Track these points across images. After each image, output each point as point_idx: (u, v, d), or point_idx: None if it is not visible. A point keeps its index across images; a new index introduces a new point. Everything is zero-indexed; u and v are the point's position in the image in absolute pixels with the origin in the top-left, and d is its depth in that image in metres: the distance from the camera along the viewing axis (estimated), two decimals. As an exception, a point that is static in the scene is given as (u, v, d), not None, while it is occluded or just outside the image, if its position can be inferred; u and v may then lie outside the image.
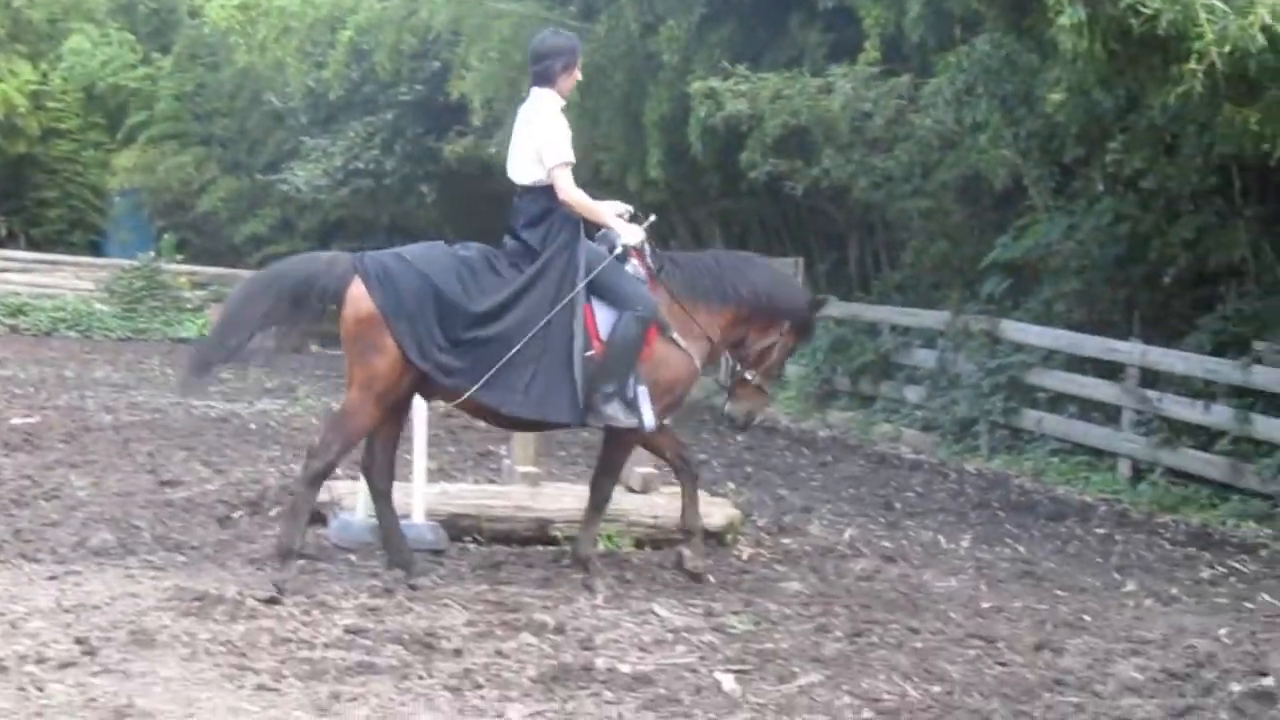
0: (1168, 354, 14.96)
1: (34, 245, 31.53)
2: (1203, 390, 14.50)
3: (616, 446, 9.17)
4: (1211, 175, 15.21)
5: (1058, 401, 16.56)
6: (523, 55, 21.67)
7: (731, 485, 13.26)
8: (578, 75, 8.97)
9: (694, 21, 20.65)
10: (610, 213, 9.00)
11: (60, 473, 11.80)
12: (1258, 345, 13.86)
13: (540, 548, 9.89)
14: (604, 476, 9.24)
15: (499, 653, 7.17)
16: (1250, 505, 13.43)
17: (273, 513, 10.46)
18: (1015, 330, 17.04)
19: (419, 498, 9.62)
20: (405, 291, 8.40)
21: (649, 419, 8.69)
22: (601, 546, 9.58)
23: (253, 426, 15.47)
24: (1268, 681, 7.41)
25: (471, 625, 7.67)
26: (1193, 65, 10.01)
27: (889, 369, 19.44)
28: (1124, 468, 15.13)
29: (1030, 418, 16.65)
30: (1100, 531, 12.59)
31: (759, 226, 23.41)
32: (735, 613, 8.40)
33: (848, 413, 19.54)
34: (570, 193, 8.67)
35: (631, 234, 8.91)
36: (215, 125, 33.12)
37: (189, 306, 28.79)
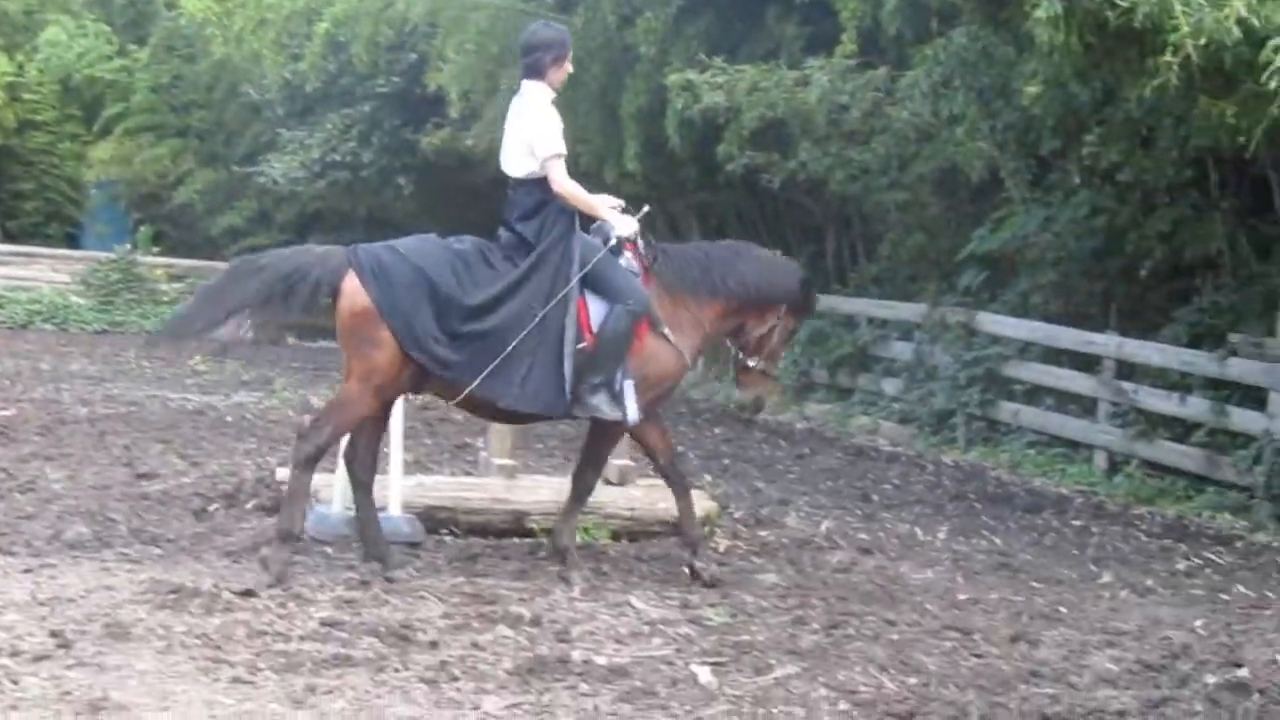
0: (1144, 346, 15.02)
1: (10, 238, 31.38)
2: (1179, 382, 14.56)
3: (602, 438, 9.17)
4: (1187, 168, 15.27)
5: (1034, 394, 16.62)
6: (499, 47, 21.88)
7: (708, 477, 13.24)
8: (568, 68, 8.94)
9: (671, 14, 20.65)
10: (604, 204, 9.00)
11: (35, 465, 11.75)
12: (1233, 338, 13.91)
13: (517, 540, 9.89)
14: (587, 467, 9.23)
15: (475, 645, 7.16)
16: (1226, 497, 13.48)
17: (249, 505, 10.43)
18: (992, 322, 17.09)
19: (395, 490, 9.60)
20: (400, 284, 8.37)
21: (634, 412, 8.69)
22: (578, 539, 9.56)
23: (229, 419, 15.42)
24: (1243, 673, 7.42)
25: (448, 618, 7.65)
26: (1168, 58, 10.05)
27: (866, 361, 19.49)
28: (1100, 460, 15.18)
29: (1007, 410, 16.70)
30: (1076, 523, 12.61)
31: (736, 219, 23.40)
32: (712, 605, 8.40)
33: (825, 405, 19.58)
34: (564, 184, 8.66)
35: (625, 225, 8.91)
36: (192, 117, 33.02)
37: (165, 299, 28.71)
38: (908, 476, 14.85)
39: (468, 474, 11.55)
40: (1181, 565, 11.04)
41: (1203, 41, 9.89)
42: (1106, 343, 15.31)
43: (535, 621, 7.67)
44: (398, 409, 9.58)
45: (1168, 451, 14.44)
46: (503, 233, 8.82)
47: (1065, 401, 16.12)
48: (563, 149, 8.69)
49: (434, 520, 9.81)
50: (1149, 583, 10.23)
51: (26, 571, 8.18)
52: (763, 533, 10.88)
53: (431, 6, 23.26)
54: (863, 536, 11.20)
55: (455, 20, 22.91)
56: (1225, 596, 9.93)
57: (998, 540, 11.58)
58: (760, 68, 18.46)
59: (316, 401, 16.51)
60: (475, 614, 7.74)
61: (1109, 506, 13.62)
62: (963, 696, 6.83)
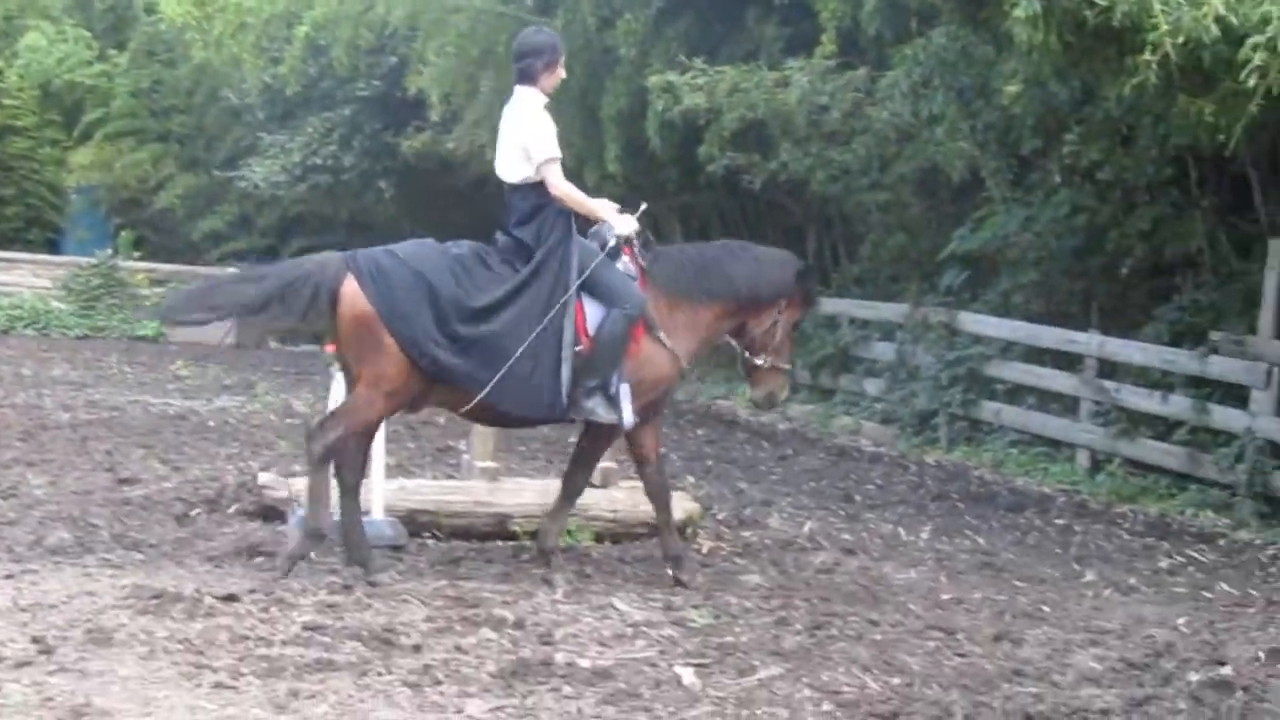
0: (1125, 345, 15.05)
1: (-10, 243, 31.31)
2: (1160, 381, 14.59)
3: (595, 441, 9.19)
4: (1167, 166, 15.31)
5: (1016, 393, 16.64)
6: (480, 50, 21.90)
7: (691, 479, 13.25)
8: (561, 73, 8.96)
9: (651, 15, 20.68)
10: (602, 206, 9.02)
11: (17, 471, 11.70)
12: (1214, 335, 13.92)
13: (500, 543, 9.88)
14: (578, 469, 9.26)
15: (458, 648, 7.15)
16: (1208, 495, 13.51)
17: (231, 510, 10.41)
18: (973, 322, 17.11)
19: (378, 493, 9.59)
20: (400, 289, 8.37)
21: (628, 416, 8.71)
22: (561, 541, 9.56)
23: (211, 424, 15.38)
24: (1226, 671, 7.44)
25: (431, 621, 7.63)
26: (1147, 57, 10.07)
27: (848, 362, 19.51)
28: (1082, 458, 15.20)
29: (989, 409, 16.72)
30: (1059, 522, 12.63)
31: (718, 220, 23.42)
32: (695, 606, 8.39)
33: (807, 406, 19.59)
34: (561, 187, 8.69)
35: (625, 224, 8.93)
36: (172, 122, 32.96)
37: (147, 304, 28.61)
38: (890, 477, 14.86)
39: (450, 477, 11.53)
40: (1164, 563, 11.06)
41: (1181, 40, 9.91)
42: (1088, 341, 15.33)
43: (518, 624, 7.65)
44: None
45: (1150, 450, 14.46)
46: (500, 237, 8.84)
47: (1047, 400, 16.14)
48: (557, 152, 8.74)
49: (416, 523, 9.80)
50: (1132, 581, 10.25)
51: (8, 577, 8.14)
52: (746, 534, 10.88)
53: (411, 10, 23.25)
54: (846, 537, 11.21)
55: (435, 23, 22.92)
56: (1208, 594, 9.95)
57: (981, 540, 11.60)
58: (740, 69, 18.48)
59: (299, 406, 16.52)
60: (458, 617, 7.72)
61: (1091, 505, 13.64)
62: (946, 696, 6.83)
